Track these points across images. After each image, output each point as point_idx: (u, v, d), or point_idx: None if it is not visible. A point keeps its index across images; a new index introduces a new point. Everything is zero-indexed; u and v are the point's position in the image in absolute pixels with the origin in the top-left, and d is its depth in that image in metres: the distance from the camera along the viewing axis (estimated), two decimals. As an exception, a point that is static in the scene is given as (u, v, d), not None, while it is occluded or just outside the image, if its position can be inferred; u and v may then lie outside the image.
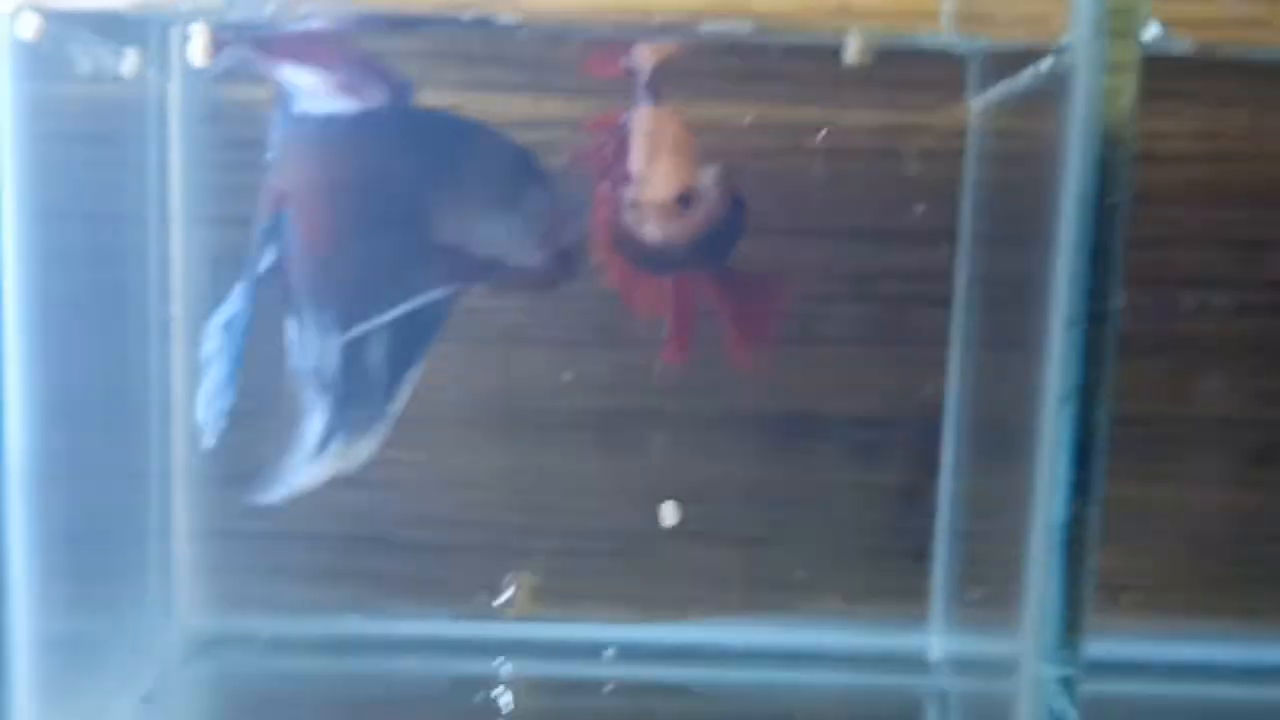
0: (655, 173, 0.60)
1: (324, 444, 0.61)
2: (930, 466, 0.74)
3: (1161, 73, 0.52)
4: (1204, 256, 0.73)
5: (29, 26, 0.55)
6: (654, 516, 0.75)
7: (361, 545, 0.77)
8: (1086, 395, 0.51)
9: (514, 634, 0.77)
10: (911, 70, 0.69)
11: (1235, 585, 0.75)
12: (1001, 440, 0.62)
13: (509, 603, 0.76)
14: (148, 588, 0.74)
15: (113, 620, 0.70)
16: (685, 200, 0.60)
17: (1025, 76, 0.60)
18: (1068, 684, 0.52)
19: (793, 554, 0.76)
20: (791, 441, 0.75)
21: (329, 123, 0.59)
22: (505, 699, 0.73)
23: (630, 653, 0.76)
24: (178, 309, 0.73)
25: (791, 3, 0.66)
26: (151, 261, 0.72)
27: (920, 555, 0.76)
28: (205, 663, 0.76)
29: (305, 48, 0.59)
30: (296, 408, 0.62)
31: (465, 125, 0.60)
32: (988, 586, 0.65)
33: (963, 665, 0.72)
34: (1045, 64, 0.56)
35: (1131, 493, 0.71)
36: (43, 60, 0.57)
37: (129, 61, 0.65)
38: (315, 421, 0.61)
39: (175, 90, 0.72)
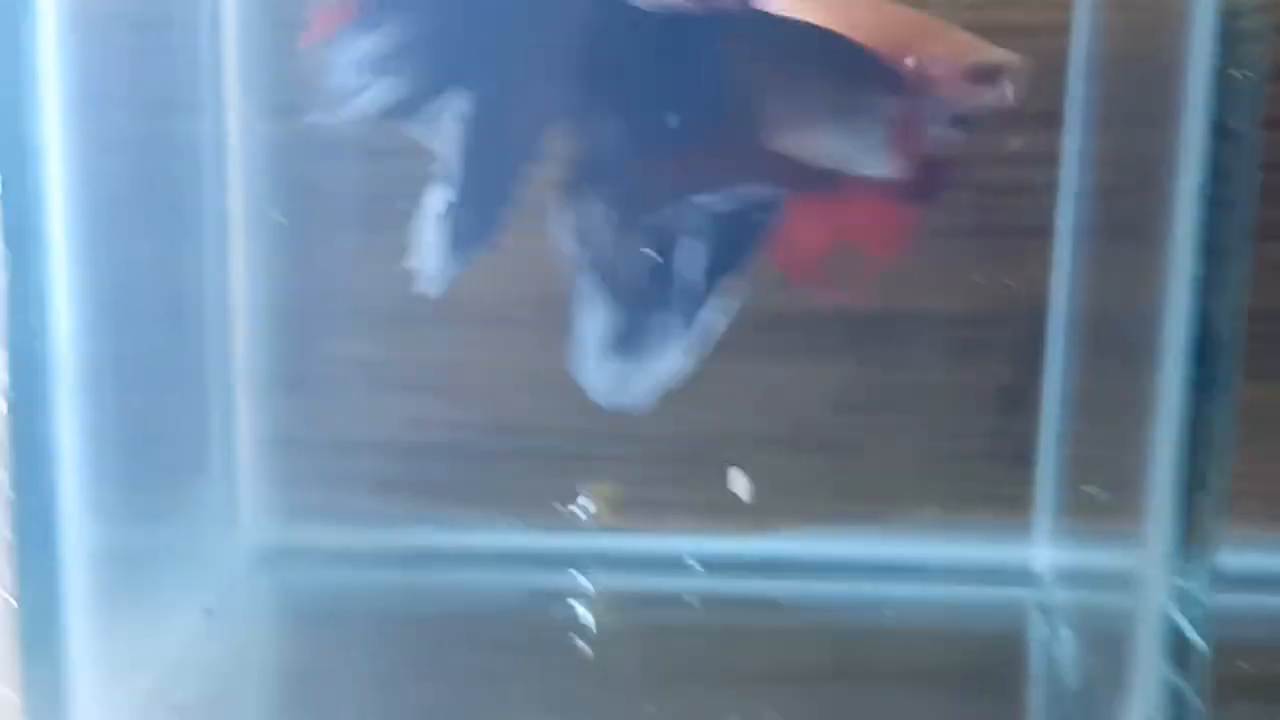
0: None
1: (615, 347, 0.59)
2: (1033, 365, 0.72)
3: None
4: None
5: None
6: (737, 422, 0.73)
7: (430, 452, 0.76)
8: (1216, 284, 0.48)
9: (591, 545, 0.75)
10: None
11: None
12: (1116, 335, 0.60)
13: (586, 512, 0.74)
14: (209, 497, 0.73)
15: (172, 531, 0.69)
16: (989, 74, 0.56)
17: None
18: (1192, 598, 0.49)
19: (886, 461, 0.74)
20: (883, 340, 0.73)
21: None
22: (583, 613, 0.71)
23: (715, 565, 0.75)
24: (278, 215, 0.71)
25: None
26: (207, 153, 0.70)
27: (1023, 460, 0.73)
28: (269, 575, 0.76)
29: None
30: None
31: (803, 28, 0.56)
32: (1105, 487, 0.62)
33: (1072, 577, 0.69)
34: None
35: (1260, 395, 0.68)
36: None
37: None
38: (597, 322, 0.58)
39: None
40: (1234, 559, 0.51)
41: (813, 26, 0.55)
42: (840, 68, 0.55)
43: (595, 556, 0.75)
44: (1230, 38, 0.47)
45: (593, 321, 0.59)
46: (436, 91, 0.57)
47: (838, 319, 0.73)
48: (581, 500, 0.75)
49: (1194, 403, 0.48)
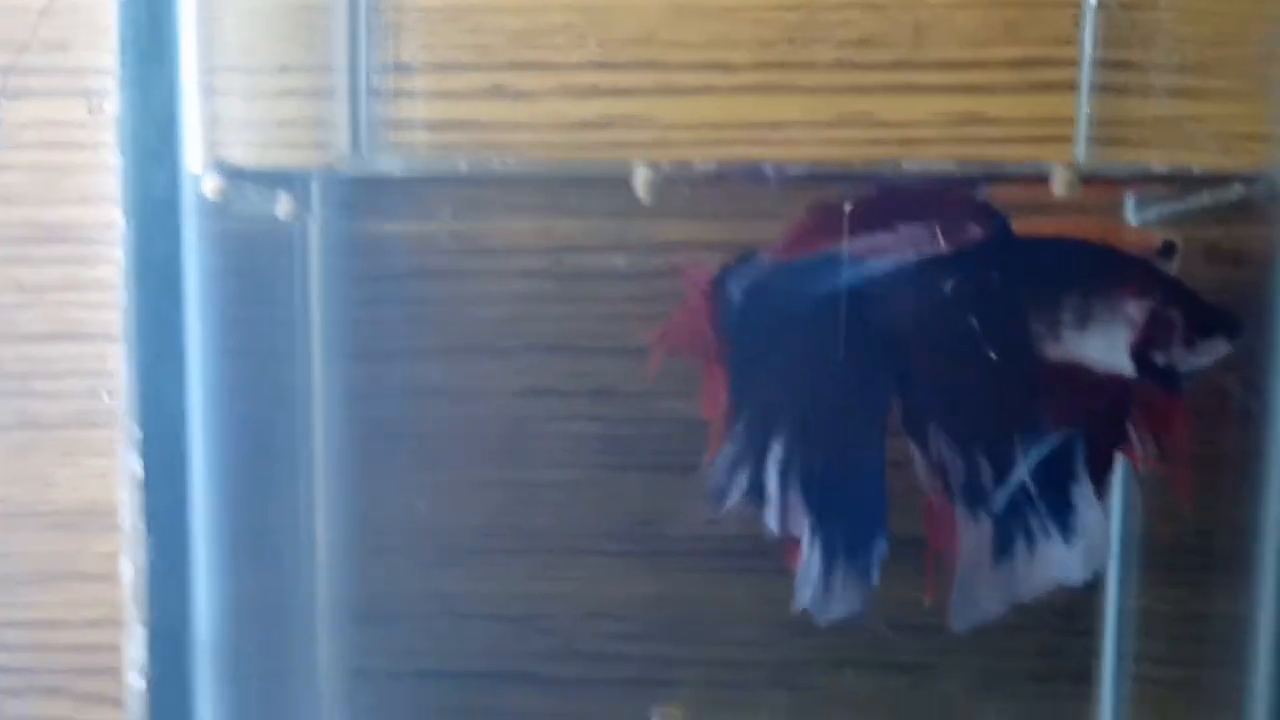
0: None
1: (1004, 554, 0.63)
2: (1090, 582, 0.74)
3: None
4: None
5: (213, 187, 0.58)
6: (805, 643, 0.76)
7: (504, 682, 0.79)
8: None
9: (665, 769, 0.77)
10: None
11: None
12: (1191, 559, 0.65)
13: (657, 738, 0.77)
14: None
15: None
16: (1168, 250, 0.60)
17: (1223, 195, 0.62)
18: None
19: (954, 680, 0.77)
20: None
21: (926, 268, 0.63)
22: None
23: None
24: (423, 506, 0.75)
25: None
26: (299, 398, 0.74)
27: (1081, 677, 0.76)
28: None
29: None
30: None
31: (1055, 242, 0.63)
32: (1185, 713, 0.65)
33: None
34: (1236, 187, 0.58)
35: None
36: (218, 210, 0.60)
37: (284, 206, 0.68)
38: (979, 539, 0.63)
39: (315, 231, 0.75)
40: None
41: (1063, 239, 0.61)
42: (1102, 272, 0.61)
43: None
44: None
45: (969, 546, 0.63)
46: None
47: (907, 539, 0.73)
48: (653, 725, 0.77)
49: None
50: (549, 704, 0.79)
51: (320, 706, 0.78)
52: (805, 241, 0.64)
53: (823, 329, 0.63)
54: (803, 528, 0.65)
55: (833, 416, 0.64)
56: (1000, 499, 0.63)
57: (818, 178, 0.64)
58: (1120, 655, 0.75)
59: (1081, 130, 0.72)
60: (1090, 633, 0.76)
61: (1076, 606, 0.76)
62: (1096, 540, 0.62)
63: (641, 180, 0.62)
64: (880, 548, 0.64)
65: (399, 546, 0.78)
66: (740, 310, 0.65)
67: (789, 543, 0.66)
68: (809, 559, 0.65)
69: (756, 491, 0.65)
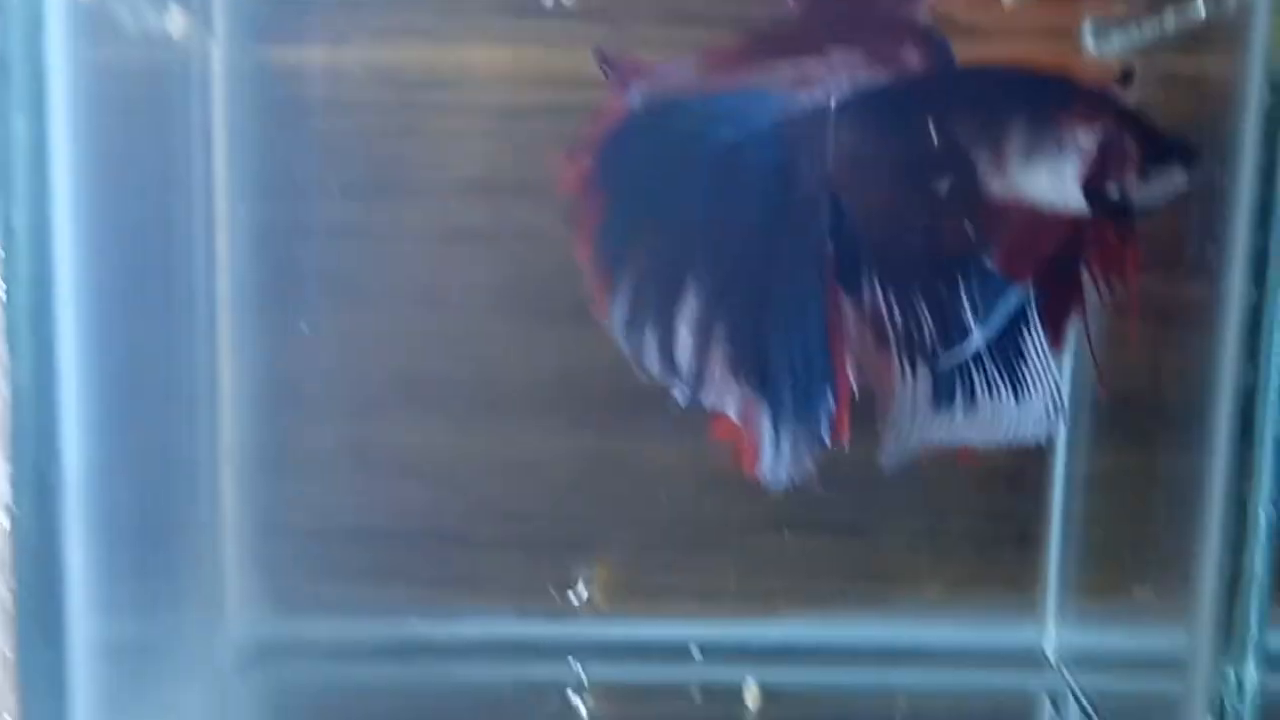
0: None
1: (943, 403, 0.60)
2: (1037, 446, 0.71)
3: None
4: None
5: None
6: (740, 502, 0.73)
7: (421, 541, 0.76)
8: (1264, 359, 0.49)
9: (588, 633, 0.76)
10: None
11: None
12: (1143, 418, 0.61)
13: (582, 599, 0.75)
14: (196, 588, 0.73)
15: (158, 624, 0.68)
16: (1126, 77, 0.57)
17: (1185, 14, 0.58)
18: (1244, 684, 0.50)
19: (892, 541, 0.75)
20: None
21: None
22: (580, 705, 0.71)
23: (716, 652, 0.75)
24: (305, 326, 0.71)
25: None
26: (198, 236, 0.70)
27: (1026, 541, 0.74)
28: (258, 670, 0.75)
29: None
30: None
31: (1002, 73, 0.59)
32: (1131, 575, 0.63)
33: (1086, 660, 0.70)
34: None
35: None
36: (93, 20, 0.55)
37: (175, 21, 0.63)
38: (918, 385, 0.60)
39: (219, 53, 0.71)
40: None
41: (1011, 67, 0.58)
42: (1048, 101, 0.57)
43: (591, 645, 0.75)
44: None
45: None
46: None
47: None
48: (578, 587, 0.75)
49: (1239, 485, 0.49)
50: (468, 565, 0.76)
51: (225, 562, 0.75)
52: (724, 67, 0.59)
53: (742, 171, 0.60)
54: (735, 395, 0.62)
55: (762, 270, 0.61)
56: (945, 349, 0.59)
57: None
58: (1068, 517, 0.73)
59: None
60: (1038, 495, 0.74)
61: (1024, 468, 0.74)
62: (1051, 397, 0.59)
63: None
64: (828, 404, 0.61)
65: (310, 397, 0.75)
66: (640, 149, 0.61)
67: (716, 414, 0.63)
68: (755, 426, 0.62)
69: (667, 355, 0.62)
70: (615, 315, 0.62)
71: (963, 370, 0.59)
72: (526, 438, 0.75)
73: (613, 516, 0.75)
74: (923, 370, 0.60)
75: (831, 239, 0.59)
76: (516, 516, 0.76)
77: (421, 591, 0.76)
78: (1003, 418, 0.60)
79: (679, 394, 0.62)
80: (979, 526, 0.75)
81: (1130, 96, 0.58)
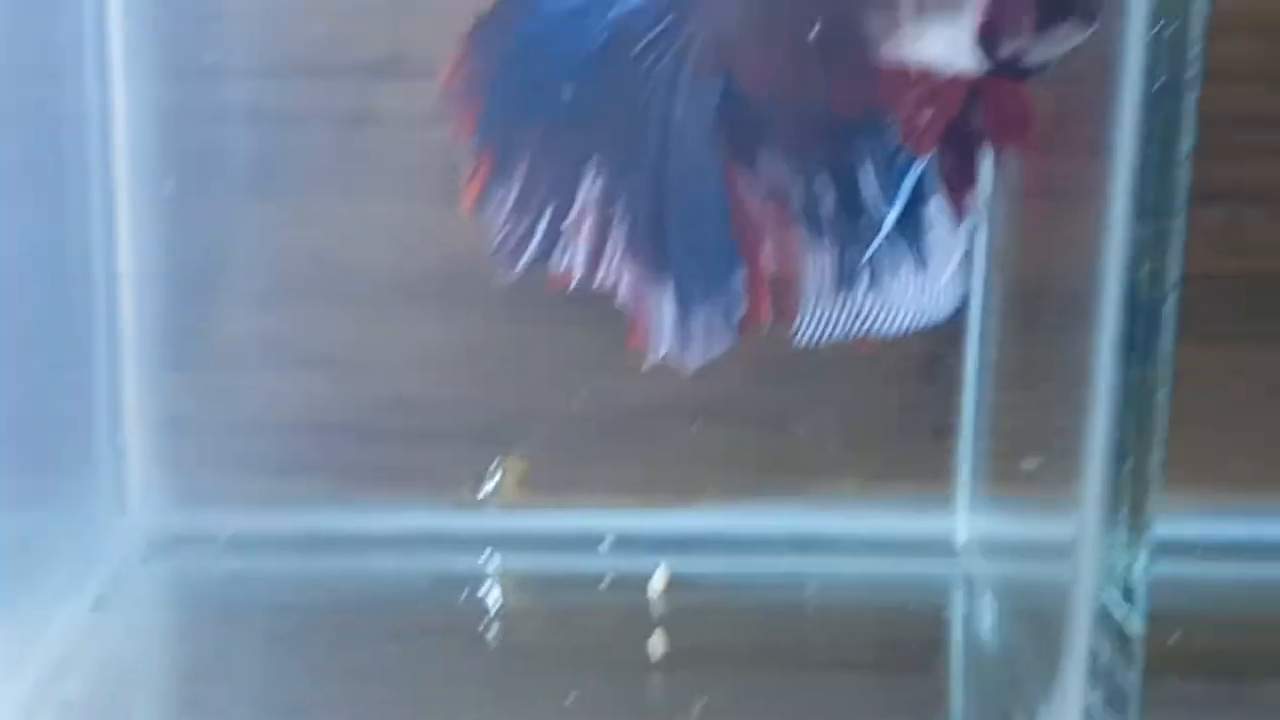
0: None
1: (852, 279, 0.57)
2: (952, 333, 0.72)
3: None
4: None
5: None
6: (653, 392, 0.72)
7: (330, 433, 0.75)
8: (1157, 250, 0.48)
9: (500, 525, 0.75)
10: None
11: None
12: (1042, 302, 0.61)
13: (494, 491, 0.74)
14: (97, 481, 0.72)
15: (58, 518, 0.68)
16: None
17: None
18: (1133, 568, 0.50)
19: (807, 433, 0.74)
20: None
21: None
22: (493, 596, 0.71)
23: (629, 543, 0.75)
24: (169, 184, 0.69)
25: None
26: (92, 121, 0.69)
27: (942, 431, 0.74)
28: (162, 563, 0.74)
29: None
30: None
31: None
32: (1030, 460, 0.63)
33: (996, 549, 0.70)
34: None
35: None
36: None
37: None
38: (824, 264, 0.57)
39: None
40: (1171, 527, 0.52)
41: None
42: None
43: (505, 536, 0.75)
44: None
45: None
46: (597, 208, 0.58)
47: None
48: (491, 479, 0.74)
49: (1139, 366, 0.49)
50: (380, 457, 0.76)
51: (129, 455, 0.74)
52: None
53: (630, 41, 0.57)
54: (637, 277, 0.59)
55: (658, 147, 0.58)
56: (843, 221, 0.58)
57: None
58: (980, 408, 0.73)
59: None
60: (951, 385, 0.74)
61: (939, 357, 0.73)
62: (954, 270, 0.57)
63: None
64: (736, 287, 0.58)
65: (215, 286, 0.73)
66: (525, 23, 0.58)
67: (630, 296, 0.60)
68: (659, 306, 0.59)
69: (550, 241, 0.59)
70: (498, 199, 0.59)
71: (869, 248, 0.58)
72: (436, 327, 0.74)
73: (525, 407, 0.74)
74: (830, 250, 0.58)
75: (722, 114, 0.57)
76: (427, 408, 0.75)
77: (329, 485, 0.75)
78: (910, 298, 0.58)
79: (575, 280, 0.60)
80: (894, 418, 0.75)
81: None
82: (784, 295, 0.58)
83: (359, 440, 0.75)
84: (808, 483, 0.75)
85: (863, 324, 0.58)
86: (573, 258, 0.58)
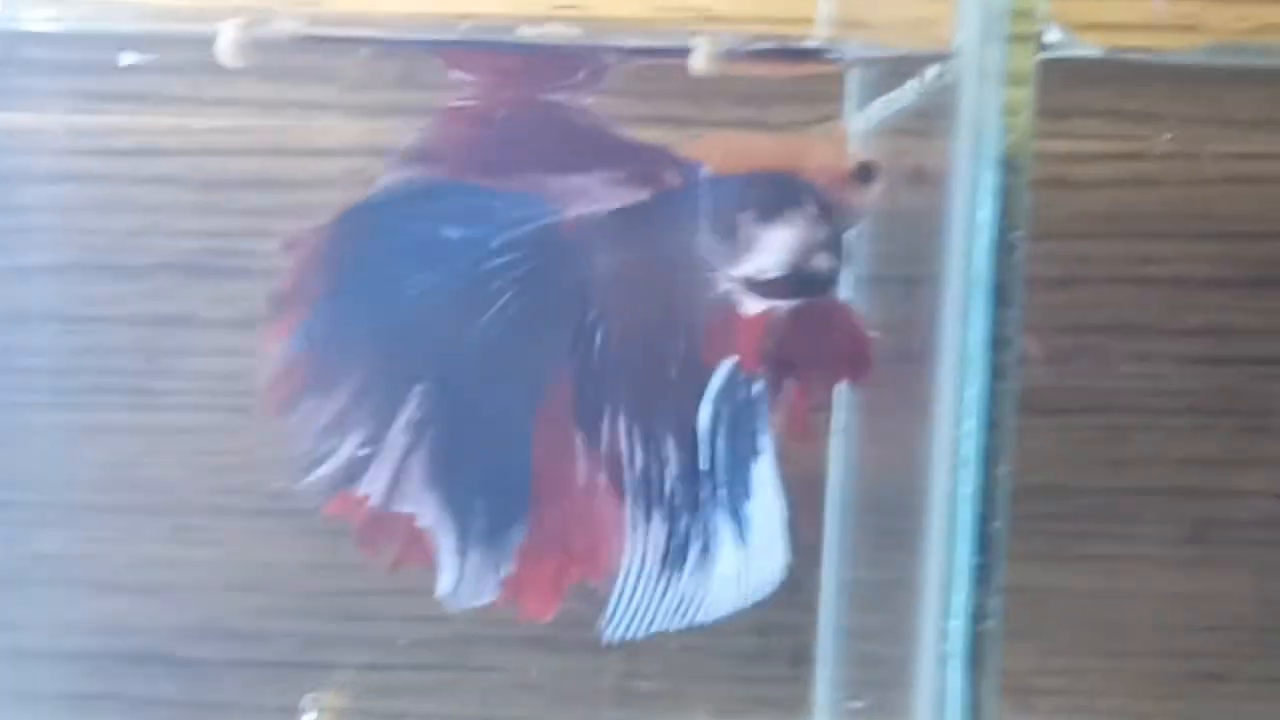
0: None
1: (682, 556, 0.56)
2: (811, 551, 0.67)
3: (1069, 82, 0.49)
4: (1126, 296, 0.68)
5: None
6: (484, 617, 0.67)
7: (128, 664, 0.70)
8: (986, 461, 0.46)
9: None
10: (782, 84, 0.64)
11: (1169, 684, 0.70)
12: (887, 517, 0.58)
13: (311, 727, 0.69)
14: None
15: None
16: (866, 173, 0.54)
17: (909, 89, 0.56)
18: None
19: (651, 659, 0.69)
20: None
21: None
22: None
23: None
24: None
25: (645, 6, 0.65)
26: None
27: (800, 658, 0.70)
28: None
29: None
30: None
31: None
32: (876, 693, 0.60)
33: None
34: (931, 74, 0.53)
35: (1040, 578, 0.66)
36: None
37: None
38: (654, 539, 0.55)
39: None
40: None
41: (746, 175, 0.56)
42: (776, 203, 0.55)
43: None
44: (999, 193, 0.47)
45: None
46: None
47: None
48: (306, 714, 0.69)
49: (967, 590, 0.46)
50: (185, 689, 0.70)
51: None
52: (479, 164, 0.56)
53: (471, 275, 0.56)
54: (428, 505, 0.57)
55: (476, 386, 0.56)
56: (679, 490, 0.55)
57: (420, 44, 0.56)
58: (838, 631, 0.68)
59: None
60: (810, 606, 0.69)
61: (799, 578, 0.68)
62: (777, 538, 0.55)
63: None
64: (518, 533, 0.57)
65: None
66: (376, 234, 0.57)
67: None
68: (442, 542, 0.57)
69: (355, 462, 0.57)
70: (307, 412, 0.56)
71: (698, 516, 0.55)
72: (244, 546, 0.69)
73: (343, 634, 0.70)
74: (659, 524, 0.55)
75: (572, 368, 0.55)
76: (233, 635, 0.70)
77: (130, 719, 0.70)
78: (732, 576, 0.56)
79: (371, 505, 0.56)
80: (749, 644, 0.70)
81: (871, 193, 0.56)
82: (590, 571, 0.56)
83: (158, 671, 0.70)
84: (654, 715, 0.71)
85: (683, 612, 0.56)
86: (374, 481, 0.56)
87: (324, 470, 0.56)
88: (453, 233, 0.56)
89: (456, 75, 0.55)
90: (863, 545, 0.65)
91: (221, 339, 0.68)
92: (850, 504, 0.66)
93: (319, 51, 0.58)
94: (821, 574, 0.68)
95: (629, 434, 0.55)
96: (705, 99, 0.62)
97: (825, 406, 0.60)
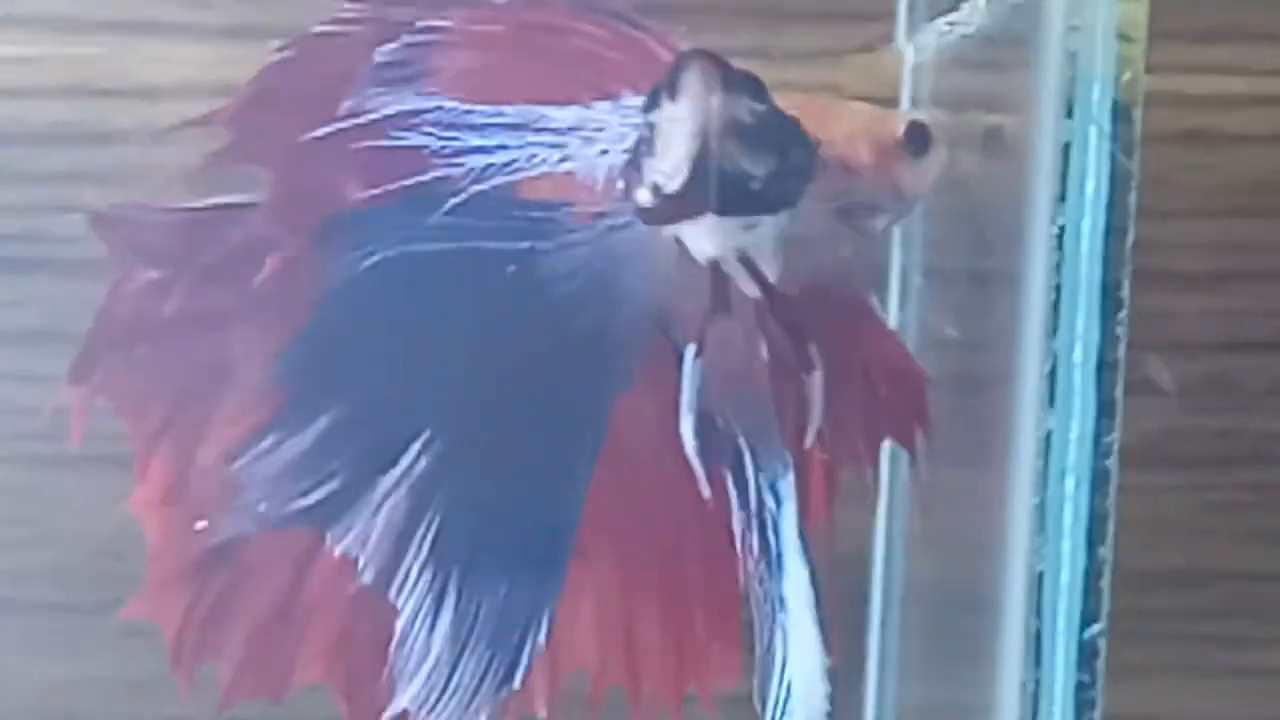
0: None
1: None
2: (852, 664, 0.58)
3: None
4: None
5: None
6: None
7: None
8: (1089, 536, 0.39)
9: None
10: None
11: None
12: (949, 618, 0.51)
13: None
14: None
15: None
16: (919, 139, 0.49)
17: (978, 6, 0.49)
18: None
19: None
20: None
21: None
22: None
23: None
24: None
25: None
26: None
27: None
28: None
29: None
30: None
31: None
32: None
33: None
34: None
35: (1169, 701, 0.61)
36: None
37: None
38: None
39: None
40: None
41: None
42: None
43: None
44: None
45: None
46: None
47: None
48: None
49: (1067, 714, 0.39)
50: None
51: None
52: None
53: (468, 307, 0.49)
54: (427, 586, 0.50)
55: (510, 433, 0.49)
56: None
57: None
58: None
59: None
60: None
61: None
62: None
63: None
64: (541, 631, 0.49)
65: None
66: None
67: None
68: (415, 638, 0.49)
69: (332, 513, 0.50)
70: (266, 448, 0.49)
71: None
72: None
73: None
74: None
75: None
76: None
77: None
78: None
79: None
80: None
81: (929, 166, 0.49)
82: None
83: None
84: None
85: None
86: (364, 540, 0.49)
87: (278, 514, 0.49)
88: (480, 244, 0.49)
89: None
90: (916, 658, 0.58)
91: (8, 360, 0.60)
92: (900, 602, 0.60)
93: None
94: (866, 698, 0.60)
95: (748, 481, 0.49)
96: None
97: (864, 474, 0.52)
